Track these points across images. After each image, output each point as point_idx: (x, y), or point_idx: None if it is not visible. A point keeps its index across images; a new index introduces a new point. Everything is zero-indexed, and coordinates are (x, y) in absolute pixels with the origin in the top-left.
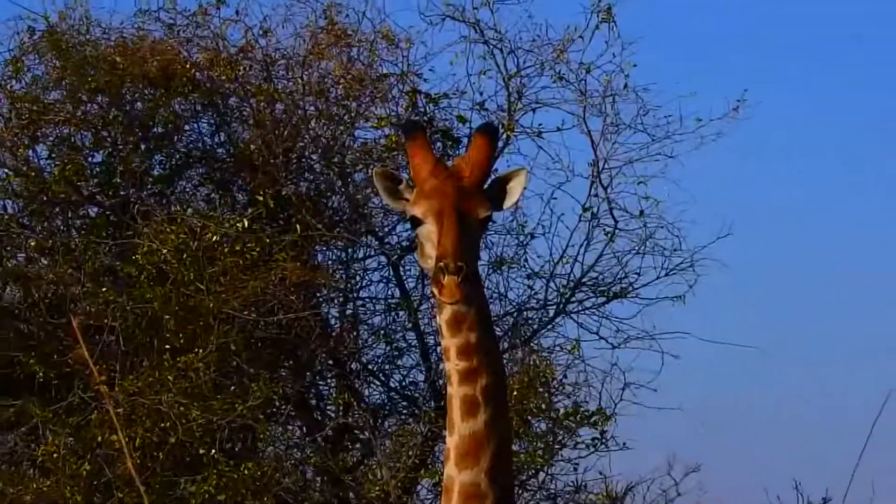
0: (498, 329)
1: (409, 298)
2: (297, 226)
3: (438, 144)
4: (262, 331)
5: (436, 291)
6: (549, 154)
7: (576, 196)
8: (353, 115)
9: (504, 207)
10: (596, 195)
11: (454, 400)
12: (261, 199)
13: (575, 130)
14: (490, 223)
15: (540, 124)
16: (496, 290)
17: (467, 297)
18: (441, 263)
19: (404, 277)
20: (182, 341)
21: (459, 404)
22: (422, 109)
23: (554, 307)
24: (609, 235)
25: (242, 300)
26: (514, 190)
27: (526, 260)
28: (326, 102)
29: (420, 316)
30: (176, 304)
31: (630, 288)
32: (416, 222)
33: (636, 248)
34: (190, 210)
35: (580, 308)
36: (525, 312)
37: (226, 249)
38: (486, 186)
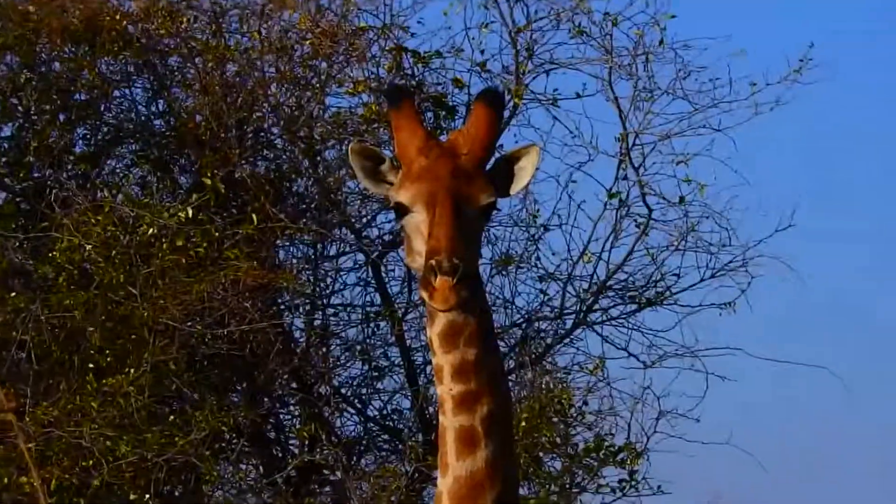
0: (503, 344)
1: (391, 306)
2: (254, 216)
3: (429, 115)
4: (210, 346)
5: (425, 296)
6: (566, 127)
7: (600, 179)
8: (322, 78)
9: (511, 193)
10: (625, 178)
11: (448, 433)
12: (208, 182)
13: (599, 97)
14: (494, 212)
15: (555, 90)
16: (501, 296)
17: (464, 302)
18: (432, 261)
19: (386, 280)
20: (109, 359)
21: (454, 438)
22: (408, 71)
23: (572, 317)
24: (641, 228)
25: (185, 308)
26: (525, 171)
27: (538, 258)
28: (290, 62)
29: (406, 328)
30: (102, 312)
31: (667, 293)
32: (401, 211)
33: (675, 243)
34: (120, 196)
35: (605, 318)
36: (536, 323)
37: (164, 245)
38: (489, 167)
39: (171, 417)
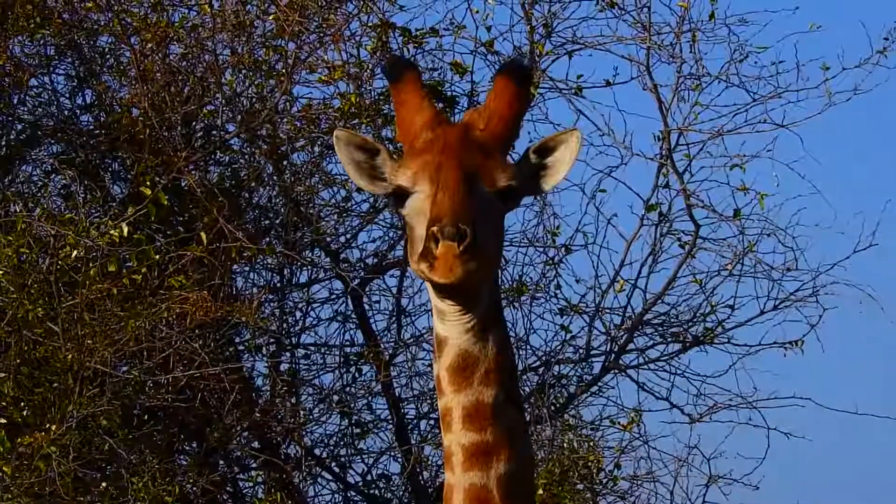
0: None
1: (376, 346)
2: (204, 234)
3: None
4: (150, 396)
5: (424, 269)
6: (593, 122)
7: (635, 187)
8: (290, 62)
9: (546, 188)
10: (666, 185)
11: (456, 494)
12: (147, 192)
13: (634, 85)
14: (515, 201)
15: (579, 76)
16: (513, 333)
17: (471, 276)
18: (434, 227)
19: (370, 314)
20: (25, 413)
21: (464, 499)
22: (397, 53)
23: (601, 359)
24: (687, 248)
25: (118, 349)
26: (561, 163)
27: (559, 286)
28: (249, 43)
29: (394, 373)
30: (16, 355)
31: (718, 329)
32: (401, 197)
33: (728, 267)
34: (38, 211)
35: (641, 360)
36: (557, 367)
37: (92, 271)
38: (513, 161)
39: (104, 485)
